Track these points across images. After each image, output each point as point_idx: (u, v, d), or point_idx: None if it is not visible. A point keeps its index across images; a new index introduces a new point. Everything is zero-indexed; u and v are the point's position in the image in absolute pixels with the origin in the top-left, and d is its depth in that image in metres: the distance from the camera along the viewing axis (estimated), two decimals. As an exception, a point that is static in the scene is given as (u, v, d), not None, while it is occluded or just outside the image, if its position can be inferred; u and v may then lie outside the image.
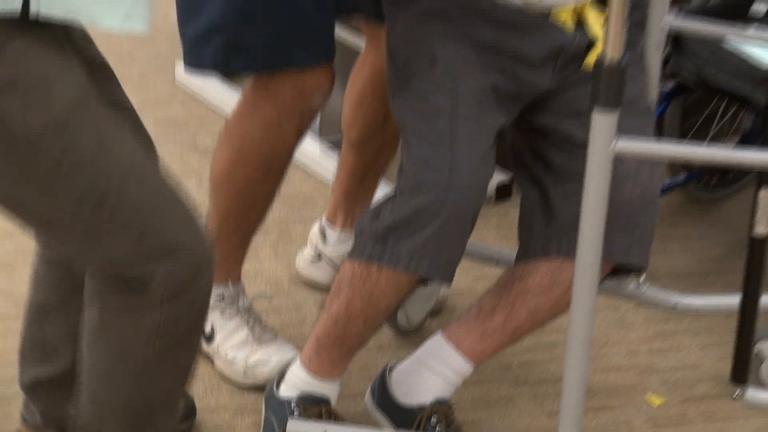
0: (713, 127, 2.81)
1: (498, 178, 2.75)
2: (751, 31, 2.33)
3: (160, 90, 3.31)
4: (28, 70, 1.40)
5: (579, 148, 1.85)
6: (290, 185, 2.83)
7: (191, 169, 2.90)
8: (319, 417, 1.96)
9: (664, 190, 2.60)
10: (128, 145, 1.49)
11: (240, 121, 2.08)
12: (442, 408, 1.97)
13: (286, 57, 1.98)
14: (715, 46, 2.39)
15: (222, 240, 2.14)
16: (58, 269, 1.75)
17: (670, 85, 2.52)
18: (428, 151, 1.81)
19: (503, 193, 2.78)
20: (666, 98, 2.54)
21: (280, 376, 2.01)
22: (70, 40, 1.54)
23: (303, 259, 2.48)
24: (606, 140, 1.59)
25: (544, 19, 1.87)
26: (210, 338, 2.21)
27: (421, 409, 1.97)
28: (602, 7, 1.88)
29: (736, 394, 2.04)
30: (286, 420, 1.95)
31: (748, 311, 2.00)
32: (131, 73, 3.41)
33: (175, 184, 1.53)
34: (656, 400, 2.22)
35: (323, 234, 2.43)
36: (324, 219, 2.44)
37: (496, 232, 2.67)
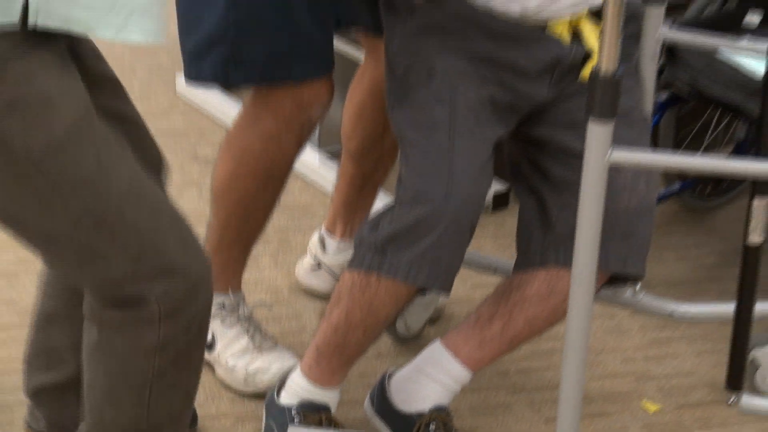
0: (707, 136, 2.82)
1: (495, 187, 2.75)
2: (744, 42, 2.35)
3: (160, 101, 3.31)
4: (30, 91, 1.40)
5: (576, 158, 1.86)
6: (290, 195, 2.84)
7: (192, 179, 2.91)
8: (319, 424, 1.96)
9: (659, 199, 2.60)
10: (128, 166, 1.49)
11: (240, 132, 2.09)
12: (440, 415, 1.98)
13: (285, 70, 1.99)
14: (708, 57, 2.40)
15: (222, 249, 2.14)
16: (65, 278, 1.75)
17: (664, 95, 2.53)
18: (427, 162, 1.82)
19: (500, 202, 2.78)
20: (660, 108, 2.55)
21: (281, 383, 2.02)
22: (78, 56, 1.55)
23: (302, 268, 2.49)
24: (601, 151, 1.60)
25: (540, 31, 1.88)
26: (211, 346, 2.22)
27: (419, 415, 1.98)
28: (598, 19, 1.88)
29: (731, 400, 2.04)
30: (287, 427, 1.95)
31: (742, 319, 2.01)
32: (132, 85, 3.42)
33: (172, 202, 1.54)
34: (652, 407, 2.22)
35: (323, 243, 2.43)
36: (323, 228, 2.44)
37: (493, 241, 2.68)
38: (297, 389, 1.98)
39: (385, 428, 2.02)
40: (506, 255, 2.58)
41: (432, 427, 1.96)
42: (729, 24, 2.46)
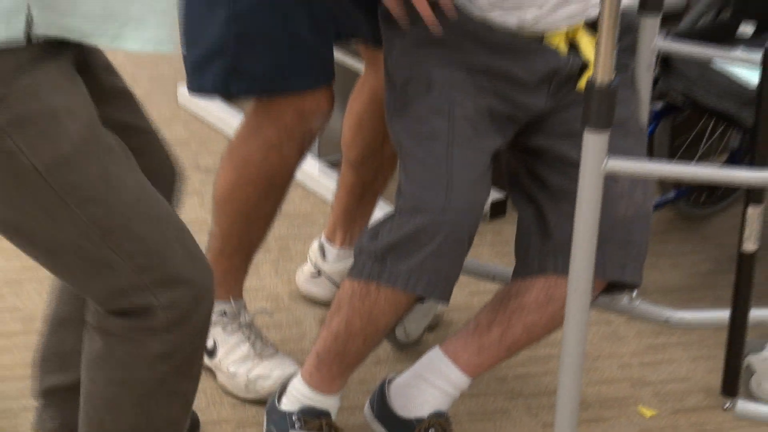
0: (702, 145, 2.82)
1: (493, 196, 2.76)
2: (738, 52, 2.35)
3: (162, 111, 3.32)
4: (36, 106, 1.41)
5: (573, 168, 1.86)
6: (290, 203, 2.84)
7: (194, 188, 2.91)
8: (319, 429, 1.96)
9: (655, 207, 2.61)
10: (134, 178, 1.49)
11: (242, 142, 2.09)
12: (439, 420, 1.98)
13: (285, 81, 1.99)
14: (703, 67, 2.40)
15: (224, 258, 2.14)
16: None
17: (659, 105, 2.53)
18: (425, 173, 1.82)
19: (498, 210, 2.79)
20: (655, 117, 2.55)
21: (282, 389, 2.02)
22: (88, 69, 1.55)
23: (303, 276, 2.49)
24: (597, 160, 1.60)
25: (537, 43, 1.88)
26: (212, 353, 2.22)
27: (419, 421, 1.98)
28: (594, 31, 1.89)
29: (727, 406, 2.04)
30: (288, 432, 1.95)
31: (737, 325, 2.01)
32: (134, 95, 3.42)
33: (176, 214, 1.54)
34: (648, 412, 2.22)
35: (322, 251, 2.43)
36: (323, 236, 2.44)
37: (491, 249, 2.68)
38: (298, 395, 1.99)
39: (385, 433, 2.02)
40: (504, 262, 2.58)
41: (431, 432, 1.96)
42: (723, 35, 2.46)
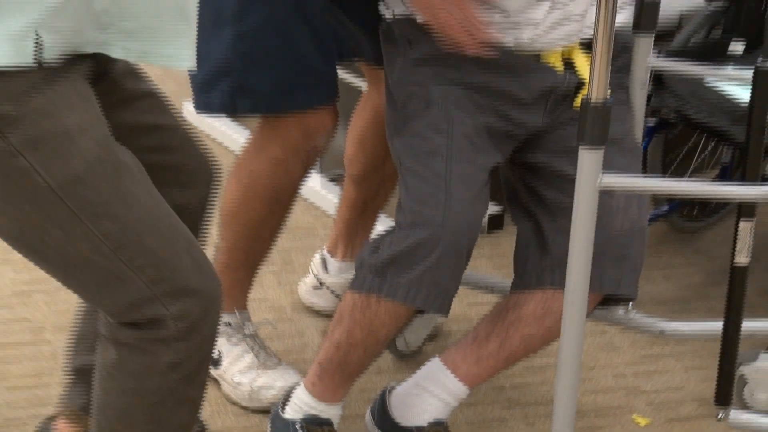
0: (694, 160, 2.83)
1: (491, 209, 2.76)
2: (729, 70, 2.36)
3: (168, 126, 3.33)
4: (50, 127, 1.41)
5: (570, 183, 1.86)
6: (292, 217, 2.83)
7: (198, 201, 2.91)
8: (322, 438, 1.97)
9: (649, 221, 2.61)
10: (146, 192, 1.50)
11: (248, 158, 2.10)
12: (438, 429, 1.98)
13: (290, 99, 2.00)
14: (694, 84, 2.41)
15: (229, 271, 2.15)
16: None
17: (652, 120, 2.54)
18: (424, 189, 1.83)
19: (495, 223, 2.80)
20: (649, 133, 2.56)
21: (285, 399, 2.03)
22: (107, 76, 1.55)
23: (305, 287, 2.49)
24: (592, 176, 1.61)
25: (534, 61, 1.89)
26: (217, 363, 2.22)
27: (419, 429, 1.98)
28: (590, 50, 1.90)
29: (720, 415, 2.04)
30: (291, 441, 1.96)
31: (730, 336, 2.01)
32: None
33: (185, 226, 1.55)
34: (642, 421, 2.22)
35: (324, 264, 2.44)
36: (325, 249, 2.45)
37: (489, 261, 2.69)
38: (301, 404, 1.99)
39: (386, 442, 2.03)
40: (501, 274, 2.59)
41: (430, 440, 1.97)
42: (714, 52, 2.47)
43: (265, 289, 2.55)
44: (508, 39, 1.86)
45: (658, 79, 2.40)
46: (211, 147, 3.41)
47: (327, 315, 2.42)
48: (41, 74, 1.41)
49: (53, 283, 1.73)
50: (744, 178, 1.90)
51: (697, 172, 2.87)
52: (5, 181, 1.42)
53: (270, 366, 2.20)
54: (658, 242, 2.76)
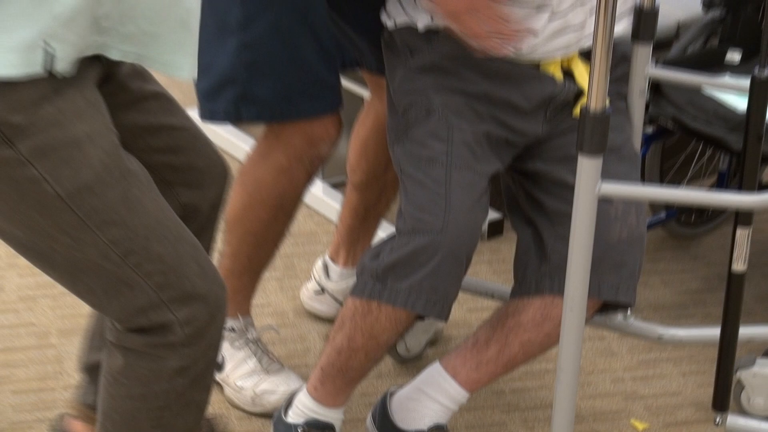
0: (691, 167, 2.83)
1: (490, 216, 2.76)
2: (726, 78, 2.36)
3: (172, 133, 3.33)
4: (59, 136, 1.41)
5: (570, 191, 1.87)
6: (295, 223, 2.83)
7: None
8: (324, 441, 1.97)
9: (647, 227, 2.61)
10: (153, 199, 1.50)
11: (253, 166, 2.10)
12: (439, 433, 1.98)
13: (294, 107, 2.00)
14: (692, 92, 2.41)
15: (234, 277, 2.15)
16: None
17: (650, 129, 2.54)
18: (425, 196, 1.83)
19: (495, 230, 2.79)
20: (647, 141, 2.56)
21: (288, 403, 2.02)
22: (114, 78, 1.55)
23: (307, 293, 2.49)
24: (591, 184, 1.61)
25: (534, 70, 1.89)
26: (220, 367, 2.22)
27: (419, 433, 1.98)
28: (588, 60, 1.90)
29: (717, 420, 2.04)
30: (293, 444, 1.96)
31: (728, 342, 2.01)
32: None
33: (190, 233, 1.55)
34: (640, 425, 2.22)
35: (326, 270, 2.44)
36: (327, 255, 2.45)
37: (488, 267, 2.69)
38: (303, 408, 1.99)
39: (386, 446, 2.02)
40: (501, 280, 2.59)
41: (431, 444, 1.97)
42: (711, 61, 2.47)
43: (268, 294, 2.55)
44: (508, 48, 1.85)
45: (656, 87, 2.40)
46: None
47: (329, 320, 2.42)
48: (51, 84, 1.41)
49: (58, 288, 1.73)
50: (741, 185, 1.90)
51: (695, 180, 2.87)
52: (14, 189, 1.42)
53: (272, 371, 2.20)
54: (656, 249, 2.76)
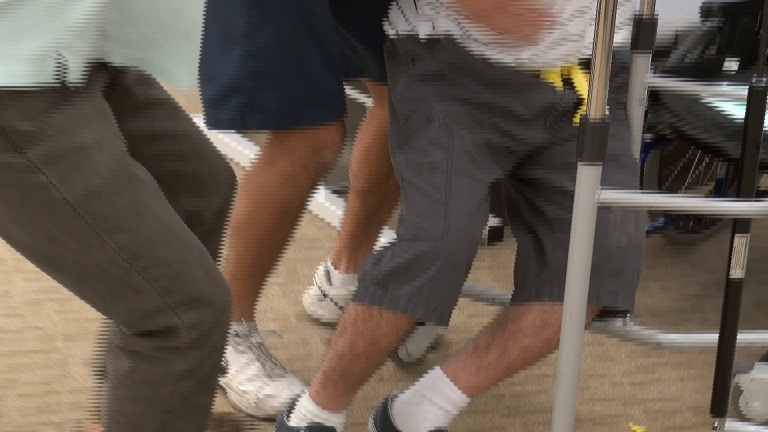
0: (689, 174, 2.83)
1: (491, 222, 2.76)
2: (724, 87, 2.36)
3: (177, 139, 3.33)
4: (68, 143, 1.42)
5: (569, 199, 1.87)
6: (298, 229, 2.84)
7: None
8: (325, 445, 1.97)
9: (646, 234, 2.61)
10: (160, 205, 1.50)
11: (258, 173, 2.10)
12: (439, 437, 1.98)
13: (299, 115, 2.00)
14: (690, 100, 2.41)
15: (238, 282, 2.15)
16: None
17: (648, 136, 2.54)
18: (425, 203, 1.83)
19: (495, 236, 2.80)
20: (645, 149, 2.56)
21: (290, 407, 2.02)
22: (120, 85, 1.55)
23: (309, 298, 2.49)
24: (590, 191, 1.62)
25: (534, 78, 1.90)
26: (223, 371, 2.22)
27: (420, 437, 1.98)
28: (588, 69, 1.90)
29: (716, 425, 2.04)
30: (296, 448, 1.96)
31: (726, 348, 2.01)
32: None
33: (196, 238, 1.55)
34: (638, 430, 2.22)
35: (328, 276, 2.44)
36: (329, 261, 2.45)
37: (489, 273, 2.69)
38: (305, 412, 1.99)
39: (388, 449, 2.02)
40: (501, 285, 2.59)
41: (431, 448, 1.96)
42: (709, 70, 2.47)
43: (271, 299, 2.55)
44: (507, 57, 1.86)
45: (654, 95, 2.41)
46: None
47: (331, 324, 2.42)
48: (60, 92, 1.41)
49: (64, 293, 1.73)
50: (739, 193, 1.90)
51: (693, 187, 2.87)
52: (24, 196, 1.42)
53: (276, 375, 2.20)
54: (654, 255, 2.76)
